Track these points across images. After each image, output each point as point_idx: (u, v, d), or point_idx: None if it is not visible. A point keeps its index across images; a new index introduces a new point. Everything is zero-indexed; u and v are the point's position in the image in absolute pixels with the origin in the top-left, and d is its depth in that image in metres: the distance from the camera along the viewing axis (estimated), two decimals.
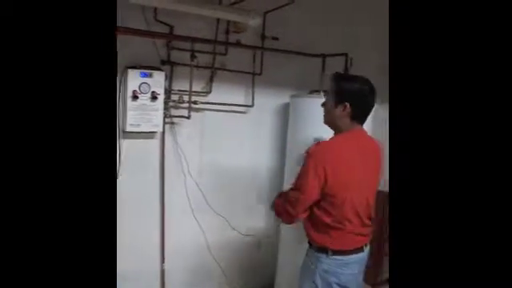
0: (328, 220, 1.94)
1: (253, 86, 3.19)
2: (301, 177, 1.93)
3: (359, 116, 1.98)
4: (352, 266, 2.02)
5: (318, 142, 2.01)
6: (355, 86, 1.96)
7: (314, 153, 1.91)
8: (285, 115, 3.28)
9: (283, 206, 2.00)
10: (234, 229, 3.26)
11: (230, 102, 3.10)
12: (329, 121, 2.03)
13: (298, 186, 1.94)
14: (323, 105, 2.05)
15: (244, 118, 3.16)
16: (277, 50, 3.17)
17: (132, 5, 2.51)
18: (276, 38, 3.19)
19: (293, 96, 3.15)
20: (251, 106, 3.20)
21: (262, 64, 3.19)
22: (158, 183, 2.96)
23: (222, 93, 3.08)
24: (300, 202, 1.93)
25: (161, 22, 2.76)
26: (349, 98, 1.93)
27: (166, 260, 3.03)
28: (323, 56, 3.23)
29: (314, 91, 3.01)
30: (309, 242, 2.07)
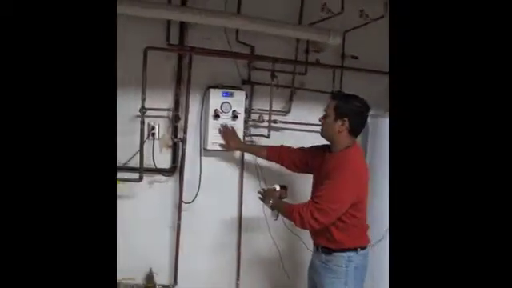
0: (355, 221, 2.18)
1: None
2: (338, 190, 2.12)
3: (355, 131, 2.24)
4: (368, 258, 2.29)
5: (345, 158, 2.18)
6: (354, 104, 2.21)
7: (348, 170, 2.14)
8: (364, 135, 3.21)
9: (308, 213, 2.09)
10: (307, 248, 3.23)
11: (309, 122, 3.09)
12: (327, 134, 2.28)
13: (335, 199, 2.11)
14: (321, 119, 2.29)
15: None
16: (356, 69, 3.15)
17: (215, 27, 2.61)
18: (355, 57, 3.17)
19: (372, 116, 3.08)
20: None
21: (341, 83, 3.17)
22: (237, 200, 3.02)
23: (301, 112, 3.10)
24: (336, 211, 2.11)
25: (242, 43, 2.85)
26: (348, 115, 2.17)
27: (240, 276, 3.06)
28: None
29: None
30: (329, 249, 2.21)
